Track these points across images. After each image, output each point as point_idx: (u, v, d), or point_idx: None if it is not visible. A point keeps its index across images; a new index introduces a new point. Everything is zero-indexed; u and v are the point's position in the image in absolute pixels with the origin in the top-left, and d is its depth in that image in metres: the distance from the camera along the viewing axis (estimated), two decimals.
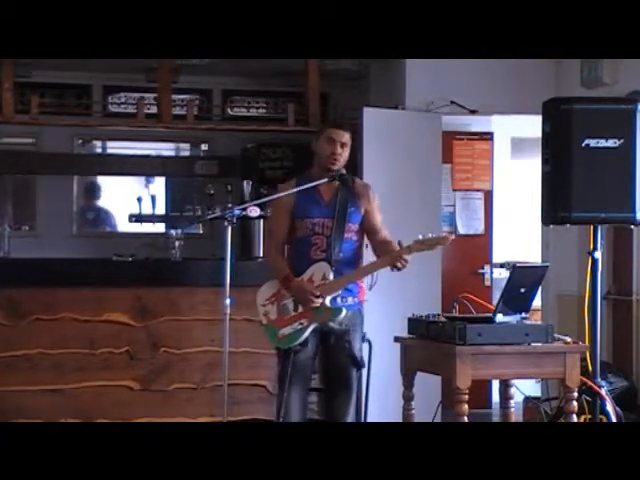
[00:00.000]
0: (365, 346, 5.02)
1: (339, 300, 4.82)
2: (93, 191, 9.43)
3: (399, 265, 4.68)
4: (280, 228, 4.97)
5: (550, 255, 7.68)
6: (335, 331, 4.84)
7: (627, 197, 4.92)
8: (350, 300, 4.87)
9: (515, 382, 5.26)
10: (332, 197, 4.88)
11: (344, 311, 4.76)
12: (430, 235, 4.64)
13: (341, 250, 4.81)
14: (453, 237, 4.77)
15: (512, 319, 4.82)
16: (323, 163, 4.90)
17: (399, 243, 4.69)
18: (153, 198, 8.50)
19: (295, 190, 4.89)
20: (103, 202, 9.45)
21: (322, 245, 4.83)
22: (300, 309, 4.80)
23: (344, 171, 4.90)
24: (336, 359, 4.87)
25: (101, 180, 9.43)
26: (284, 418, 4.76)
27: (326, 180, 4.87)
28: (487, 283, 8.47)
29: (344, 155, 4.91)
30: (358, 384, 4.95)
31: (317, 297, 4.73)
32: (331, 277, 4.76)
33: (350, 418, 4.88)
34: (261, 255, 7.26)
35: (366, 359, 5.01)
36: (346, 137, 4.91)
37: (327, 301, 4.76)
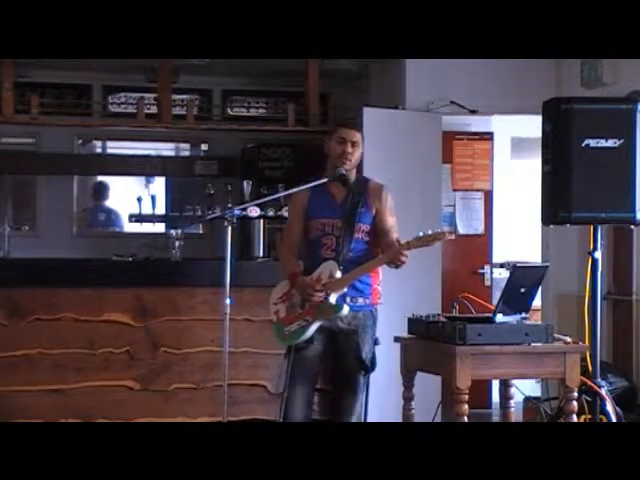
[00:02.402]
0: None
1: (349, 300, 4.82)
2: (99, 191, 9.43)
3: (398, 262, 4.68)
4: (294, 228, 4.99)
5: (550, 255, 7.67)
6: (343, 330, 4.84)
7: (627, 197, 4.92)
8: (361, 301, 4.87)
9: (515, 382, 5.26)
10: (344, 198, 4.89)
11: (346, 308, 4.75)
12: (429, 232, 4.65)
13: (351, 250, 4.82)
14: (452, 236, 4.79)
15: (512, 319, 4.82)
16: (334, 163, 4.91)
17: (397, 240, 4.70)
18: (153, 198, 8.52)
19: (298, 189, 4.90)
20: (103, 202, 9.46)
21: (332, 245, 4.84)
22: (307, 307, 4.81)
23: (344, 172, 4.90)
24: (343, 359, 4.87)
25: (103, 180, 9.44)
26: (287, 415, 4.77)
27: (325, 180, 4.88)
28: (487, 283, 8.48)
29: (355, 155, 4.91)
30: (366, 387, 4.92)
31: (319, 292, 4.73)
32: (338, 275, 4.76)
33: (355, 419, 4.86)
34: (261, 255, 7.28)
35: None
36: (357, 136, 4.92)
37: (333, 298, 4.77)
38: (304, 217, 4.94)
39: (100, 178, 9.40)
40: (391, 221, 4.94)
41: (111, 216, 9.39)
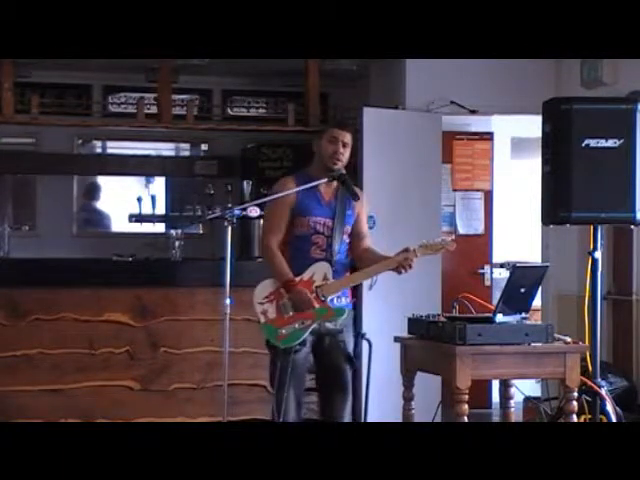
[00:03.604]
0: (365, 345, 5.02)
1: (335, 301, 4.83)
2: (93, 191, 9.43)
3: (407, 268, 4.69)
4: (281, 224, 4.91)
5: (550, 255, 7.67)
6: (330, 331, 4.85)
7: (627, 197, 4.92)
8: (344, 300, 4.88)
9: (515, 382, 5.26)
10: (332, 197, 4.89)
11: (347, 312, 4.77)
12: (436, 240, 4.66)
13: (339, 251, 4.83)
14: (452, 237, 4.80)
15: (512, 319, 4.82)
16: (325, 162, 4.89)
17: (407, 249, 4.70)
18: (153, 198, 8.52)
19: (300, 189, 4.88)
20: (103, 202, 9.45)
21: (322, 244, 4.83)
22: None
23: (344, 171, 4.90)
24: (332, 359, 4.88)
25: (101, 180, 9.43)
26: (282, 417, 4.76)
27: (326, 180, 4.87)
28: (487, 283, 8.48)
29: (345, 155, 4.91)
30: (353, 383, 4.95)
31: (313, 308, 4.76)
32: (331, 277, 4.77)
33: (347, 417, 4.88)
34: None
35: (366, 359, 5.01)
36: (348, 137, 4.90)
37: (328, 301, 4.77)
38: (291, 214, 4.90)
39: (94, 179, 9.39)
40: (366, 226, 5.02)
41: (94, 215, 9.36)
